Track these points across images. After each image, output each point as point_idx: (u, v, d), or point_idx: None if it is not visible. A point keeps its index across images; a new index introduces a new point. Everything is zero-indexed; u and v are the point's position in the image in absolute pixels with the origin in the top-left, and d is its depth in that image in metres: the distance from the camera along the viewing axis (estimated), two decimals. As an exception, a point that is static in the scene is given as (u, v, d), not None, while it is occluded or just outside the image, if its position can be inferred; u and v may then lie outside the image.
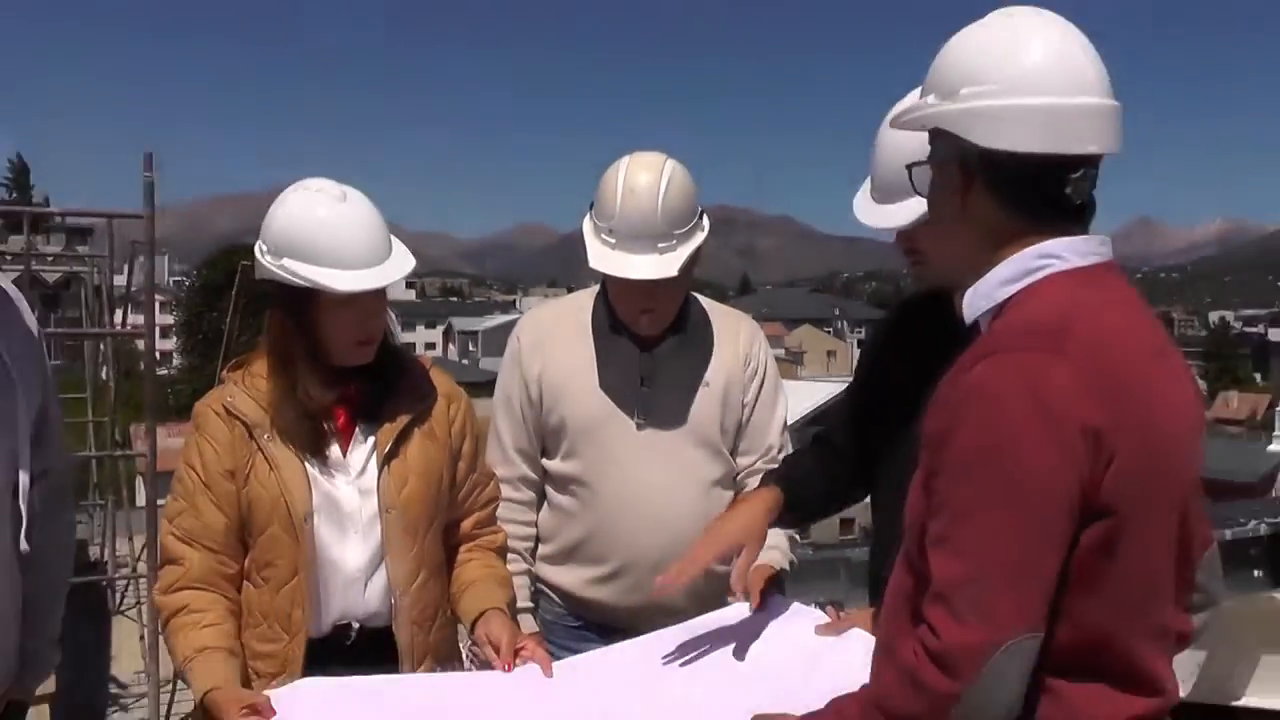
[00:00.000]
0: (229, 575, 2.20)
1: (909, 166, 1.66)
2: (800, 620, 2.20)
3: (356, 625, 2.24)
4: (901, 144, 1.85)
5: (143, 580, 6.43)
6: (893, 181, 1.95)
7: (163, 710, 5.49)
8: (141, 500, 7.51)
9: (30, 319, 2.14)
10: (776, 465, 2.67)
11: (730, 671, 2.06)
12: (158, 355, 6.00)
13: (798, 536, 2.72)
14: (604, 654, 2.28)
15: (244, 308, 6.43)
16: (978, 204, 1.52)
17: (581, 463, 2.64)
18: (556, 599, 2.74)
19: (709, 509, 2.65)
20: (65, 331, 8.62)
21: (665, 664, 2.14)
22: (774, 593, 2.33)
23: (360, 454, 2.25)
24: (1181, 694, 1.57)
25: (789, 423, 2.85)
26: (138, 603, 7.17)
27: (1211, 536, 1.65)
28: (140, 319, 6.18)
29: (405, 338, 2.21)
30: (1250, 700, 4.42)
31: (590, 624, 2.67)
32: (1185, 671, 4.10)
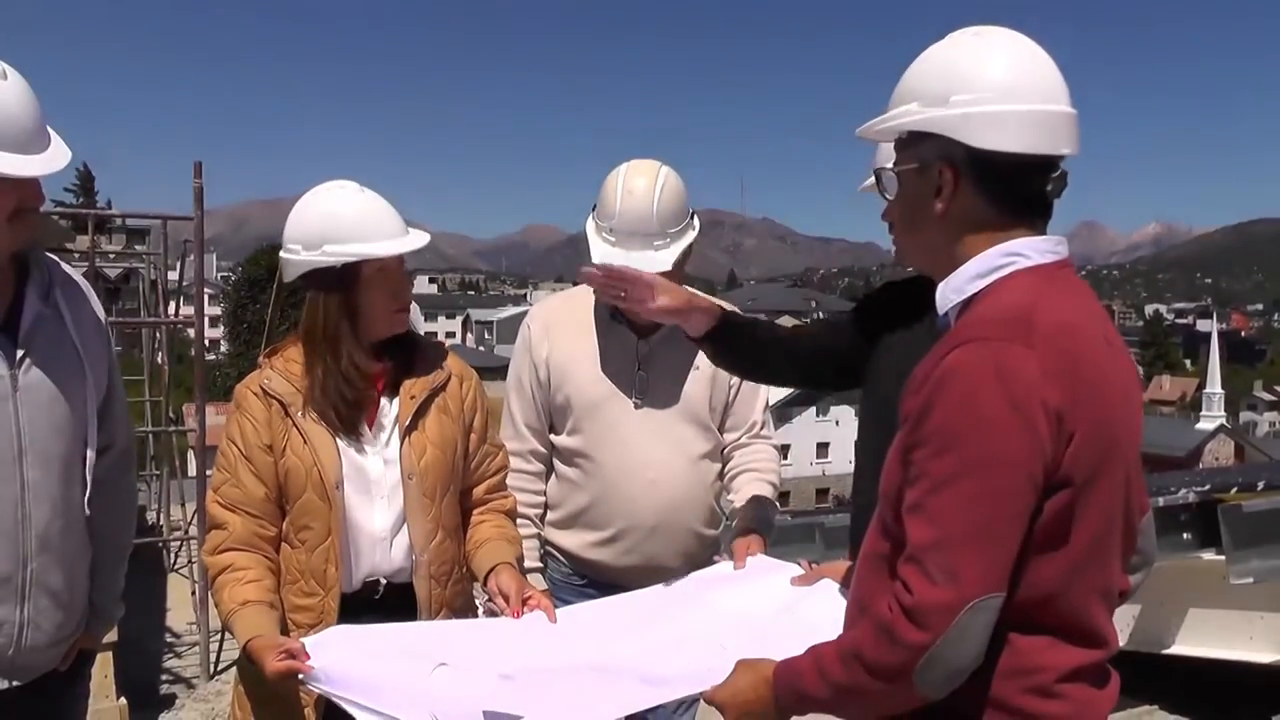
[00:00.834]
0: (268, 537, 2.20)
1: (878, 171, 1.63)
2: (777, 573, 2.20)
3: (384, 581, 2.23)
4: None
5: (194, 542, 6.43)
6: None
7: (212, 658, 5.50)
8: (192, 471, 7.51)
9: (98, 309, 2.15)
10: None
11: (715, 618, 2.06)
12: (206, 342, 5.99)
13: (778, 504, 2.73)
14: (603, 603, 2.28)
15: (284, 300, 6.41)
16: (962, 202, 1.51)
17: (585, 437, 2.65)
18: (563, 560, 2.75)
19: (699, 479, 2.67)
20: (124, 321, 8.57)
21: (658, 612, 2.14)
22: (755, 553, 2.34)
23: (384, 427, 2.25)
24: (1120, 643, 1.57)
25: (769, 403, 2.85)
26: (189, 562, 7.17)
27: (1148, 504, 1.66)
28: (191, 310, 6.17)
29: (428, 327, 2.22)
30: (1178, 649, 4.44)
31: (593, 582, 2.67)
32: (1122, 623, 4.13)
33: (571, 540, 2.70)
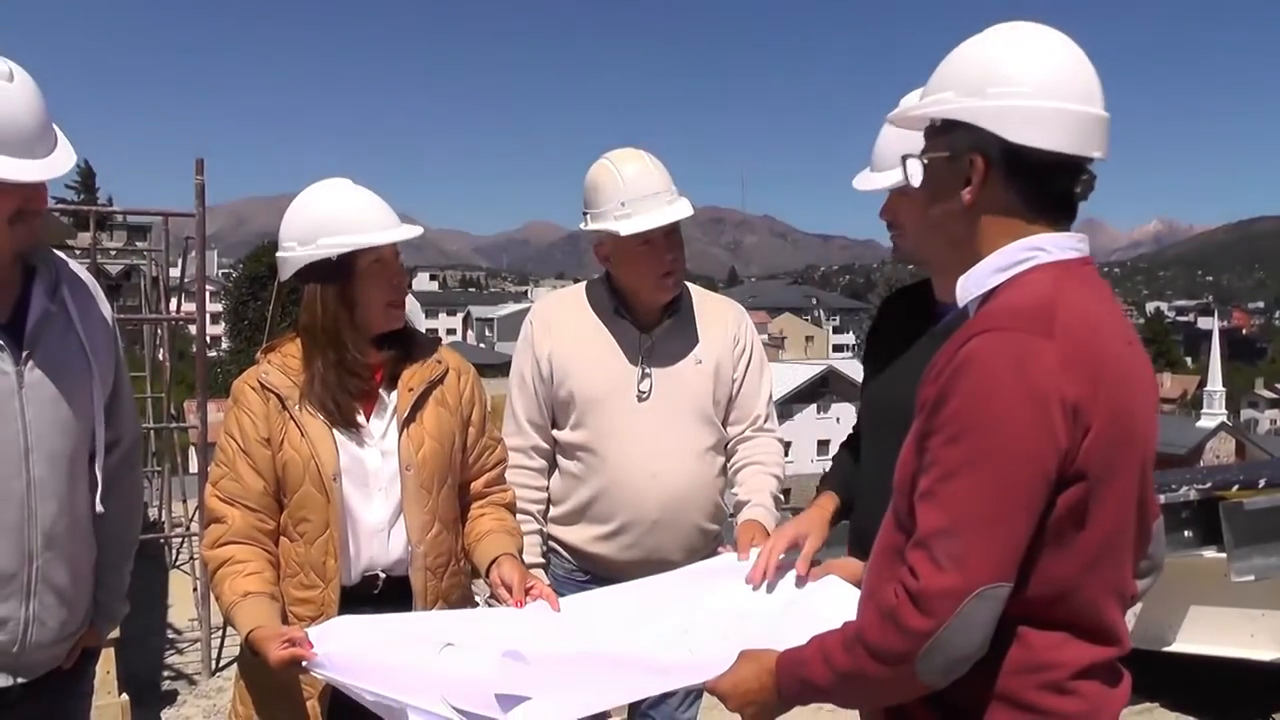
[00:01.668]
0: (267, 531, 2.20)
1: (905, 158, 1.61)
2: (781, 568, 2.20)
3: (383, 575, 2.24)
4: (901, 132, 1.93)
5: (195, 538, 6.43)
6: (887, 157, 2.04)
7: (213, 654, 5.50)
8: (194, 467, 7.51)
9: (105, 306, 2.16)
10: (828, 470, 2.73)
11: (718, 609, 2.06)
12: (208, 339, 5.99)
13: (782, 497, 2.72)
14: (605, 592, 2.28)
15: (285, 297, 6.41)
16: (989, 194, 1.50)
17: (588, 432, 2.65)
18: (566, 555, 2.75)
19: (702, 472, 2.67)
20: (126, 317, 8.54)
21: (661, 602, 2.14)
22: (759, 545, 2.34)
23: (382, 420, 2.26)
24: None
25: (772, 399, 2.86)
26: (191, 558, 7.18)
27: (1159, 509, 1.65)
28: (192, 307, 6.16)
29: (429, 324, 2.24)
30: (1179, 646, 4.44)
31: (596, 578, 2.67)
32: (1123, 620, 4.12)
33: (574, 535, 2.70)
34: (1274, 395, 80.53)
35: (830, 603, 1.93)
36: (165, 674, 5.56)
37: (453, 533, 2.32)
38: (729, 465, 2.74)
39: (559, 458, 2.73)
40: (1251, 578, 4.01)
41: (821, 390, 50.87)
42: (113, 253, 11.66)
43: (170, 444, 8.72)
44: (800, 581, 2.12)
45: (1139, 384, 1.48)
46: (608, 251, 2.63)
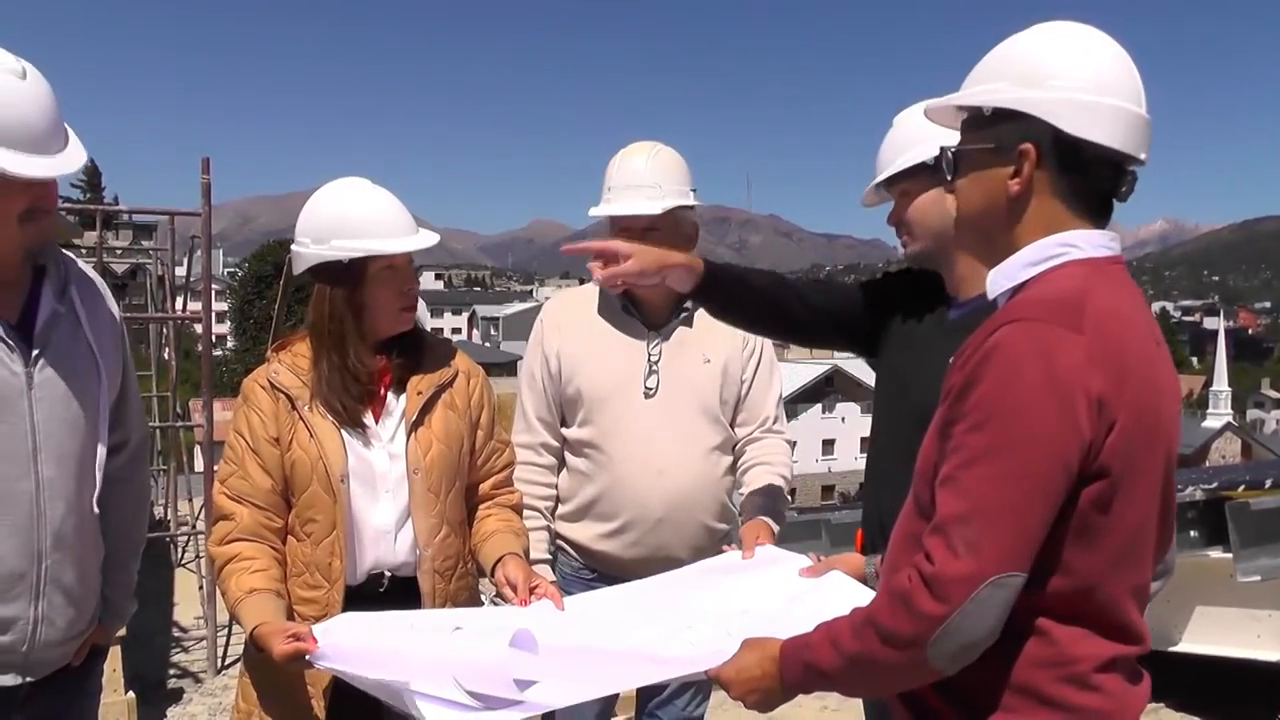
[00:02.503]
0: (274, 529, 2.21)
1: (944, 149, 1.60)
2: (785, 564, 2.20)
3: (388, 575, 2.24)
4: (910, 130, 2.04)
5: (201, 537, 6.45)
6: (891, 160, 2.11)
7: (219, 652, 5.52)
8: (199, 466, 7.52)
9: (113, 306, 2.16)
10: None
11: (722, 606, 2.06)
12: (213, 338, 6.00)
13: (789, 498, 2.73)
14: (609, 591, 2.29)
15: (290, 296, 6.42)
16: (1037, 187, 1.50)
17: (595, 429, 2.66)
18: (573, 553, 2.75)
19: (708, 471, 2.68)
20: (132, 316, 8.54)
21: (665, 599, 2.14)
22: (764, 543, 2.34)
23: (390, 422, 2.26)
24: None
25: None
26: (196, 556, 7.19)
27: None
28: (197, 305, 6.17)
29: (434, 323, 2.25)
30: (1185, 646, 4.44)
31: (602, 576, 2.67)
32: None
33: (581, 532, 2.71)
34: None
35: (834, 599, 1.93)
36: (171, 672, 5.57)
37: (460, 535, 2.33)
38: (737, 465, 2.74)
39: (567, 455, 2.74)
40: (1258, 578, 4.00)
41: (826, 390, 50.87)
42: (118, 252, 11.67)
43: (175, 443, 8.74)
44: (804, 578, 2.12)
45: (1164, 384, 1.48)
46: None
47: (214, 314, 6.00)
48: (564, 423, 2.73)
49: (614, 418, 2.63)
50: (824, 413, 50.32)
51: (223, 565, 2.16)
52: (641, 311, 2.69)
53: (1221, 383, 56.44)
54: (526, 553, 2.37)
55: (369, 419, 2.24)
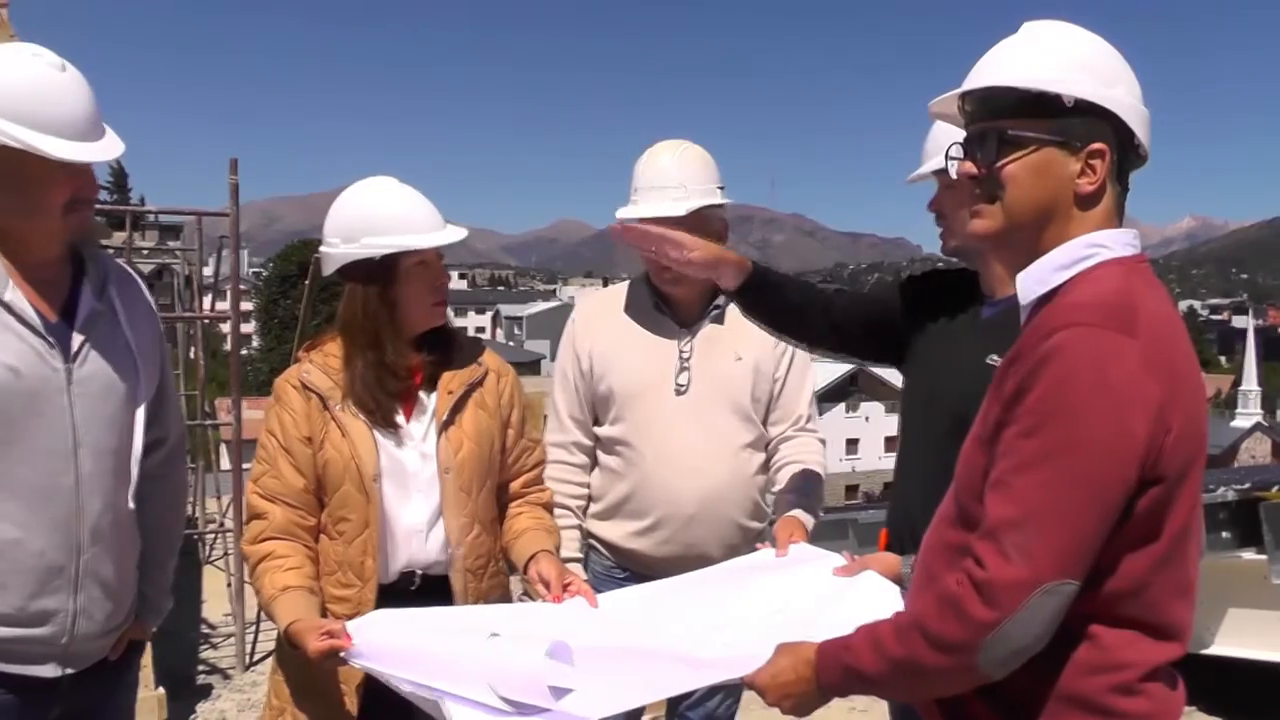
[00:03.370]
0: (307, 527, 2.22)
1: (1003, 129, 1.51)
2: (820, 563, 2.18)
3: (419, 573, 2.25)
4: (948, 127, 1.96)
5: (229, 534, 6.51)
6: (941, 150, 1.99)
7: (247, 648, 5.56)
8: (226, 464, 7.59)
9: (151, 304, 2.19)
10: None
11: (756, 604, 2.04)
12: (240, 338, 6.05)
13: (823, 495, 2.73)
14: (643, 588, 2.29)
15: (316, 295, 6.46)
16: (1100, 185, 1.49)
17: (626, 426, 2.67)
18: (605, 552, 2.76)
19: (739, 468, 2.67)
20: (160, 315, 8.66)
21: (698, 597, 2.13)
22: (798, 540, 2.33)
23: (421, 422, 2.27)
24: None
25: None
26: (225, 554, 7.25)
27: None
28: (225, 305, 6.22)
29: (458, 322, 2.27)
30: (1217, 649, 4.39)
31: (634, 574, 2.67)
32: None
33: (613, 531, 2.71)
34: (1311, 395, 79.28)
35: (868, 599, 1.92)
36: (200, 668, 5.63)
37: (492, 534, 2.34)
38: (770, 463, 2.74)
39: (599, 454, 2.75)
40: (1292, 580, 3.95)
41: (851, 389, 50.65)
42: (145, 252, 11.78)
43: (204, 441, 8.82)
44: (837, 578, 2.11)
45: (1198, 383, 1.47)
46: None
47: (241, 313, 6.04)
48: (596, 421, 2.74)
49: (645, 415, 2.64)
50: (848, 412, 50.11)
51: (256, 563, 2.18)
52: (673, 309, 2.69)
53: (1251, 382, 55.81)
54: (558, 550, 2.37)
55: (401, 418, 2.25)
